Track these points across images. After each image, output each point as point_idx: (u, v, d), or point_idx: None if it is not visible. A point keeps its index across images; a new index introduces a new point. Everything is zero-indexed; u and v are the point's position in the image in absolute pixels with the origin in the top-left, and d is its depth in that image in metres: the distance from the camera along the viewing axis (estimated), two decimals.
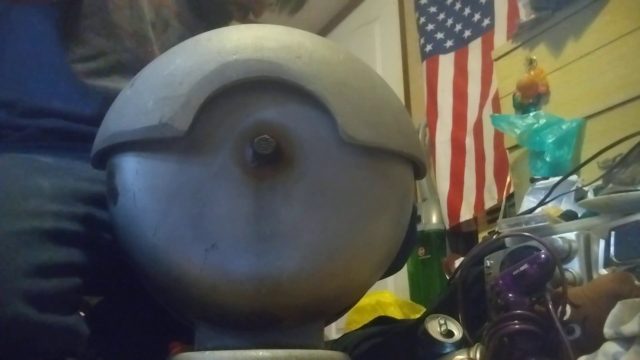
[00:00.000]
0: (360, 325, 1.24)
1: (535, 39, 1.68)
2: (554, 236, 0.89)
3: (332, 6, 3.23)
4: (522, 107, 1.68)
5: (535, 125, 1.55)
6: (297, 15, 1.03)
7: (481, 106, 2.24)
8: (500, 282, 0.74)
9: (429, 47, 2.55)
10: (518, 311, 0.71)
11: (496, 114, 1.82)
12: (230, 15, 0.98)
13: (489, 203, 2.10)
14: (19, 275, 0.56)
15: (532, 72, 1.65)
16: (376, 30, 3.02)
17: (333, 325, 1.84)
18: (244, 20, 1.00)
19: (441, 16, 2.54)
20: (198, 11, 0.97)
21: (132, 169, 0.62)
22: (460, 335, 0.84)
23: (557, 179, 1.26)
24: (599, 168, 1.20)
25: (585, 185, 1.20)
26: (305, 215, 0.61)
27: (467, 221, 2.24)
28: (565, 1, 1.60)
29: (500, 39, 2.18)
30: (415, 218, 0.93)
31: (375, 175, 0.64)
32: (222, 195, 0.60)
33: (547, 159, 1.51)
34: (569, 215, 1.08)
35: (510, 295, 0.72)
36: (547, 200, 1.19)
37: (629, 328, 0.60)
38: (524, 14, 1.78)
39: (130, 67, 0.82)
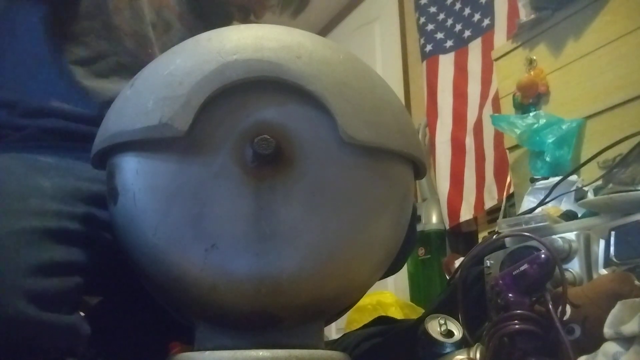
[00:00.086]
0: (360, 325, 1.24)
1: (535, 39, 1.68)
2: (554, 236, 0.89)
3: (332, 6, 3.23)
4: (522, 107, 1.68)
5: (535, 125, 1.55)
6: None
7: (481, 106, 2.24)
8: (500, 282, 0.74)
9: (429, 47, 2.55)
10: (518, 311, 0.71)
11: (496, 114, 1.82)
12: (231, 17, 0.98)
13: (489, 203, 2.10)
14: (19, 274, 0.57)
15: (532, 72, 1.65)
16: (376, 30, 3.02)
17: (333, 325, 1.84)
18: (245, 21, 1.00)
19: (441, 16, 2.54)
20: (199, 12, 0.97)
21: (132, 169, 0.62)
22: (460, 335, 0.84)
23: (557, 179, 1.26)
24: (599, 168, 1.20)
25: (585, 185, 1.20)
26: (305, 215, 0.61)
27: (467, 221, 2.24)
28: (565, 1, 1.60)
29: (500, 39, 2.18)
30: (415, 218, 0.93)
31: (375, 175, 0.64)
32: (222, 195, 0.60)
33: (547, 159, 1.51)
34: (569, 215, 1.08)
35: (510, 295, 0.72)
36: (547, 200, 1.19)
37: (629, 328, 0.60)
38: (524, 14, 1.78)
39: (131, 69, 0.82)
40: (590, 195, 1.06)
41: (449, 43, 2.48)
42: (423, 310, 1.52)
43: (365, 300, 1.84)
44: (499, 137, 1.98)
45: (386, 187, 0.65)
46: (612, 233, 0.84)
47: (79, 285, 0.63)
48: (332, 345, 1.16)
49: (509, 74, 1.74)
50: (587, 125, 1.52)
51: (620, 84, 1.45)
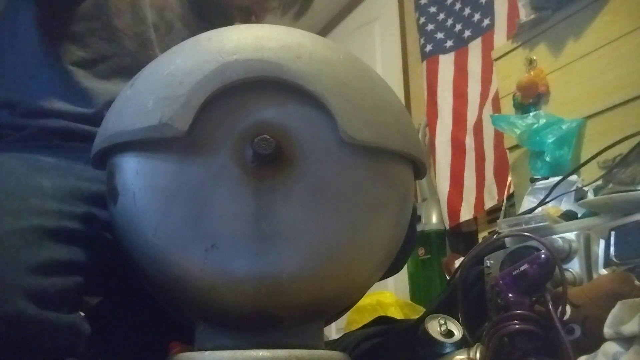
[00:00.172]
0: (360, 325, 1.24)
1: (535, 39, 1.68)
2: (554, 236, 0.89)
3: (332, 6, 3.23)
4: (522, 107, 1.68)
5: (535, 125, 1.55)
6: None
7: (481, 106, 2.24)
8: (500, 282, 0.74)
9: (429, 47, 2.55)
10: (518, 311, 0.71)
11: (496, 114, 1.82)
12: (232, 19, 0.98)
13: (489, 203, 2.10)
14: (20, 272, 0.57)
15: (532, 72, 1.65)
16: (376, 30, 3.02)
17: (333, 325, 1.84)
18: (246, 23, 1.00)
19: (441, 16, 2.54)
20: (201, 13, 0.97)
21: (132, 169, 0.62)
22: (460, 335, 0.84)
23: (557, 179, 1.26)
24: (599, 168, 1.20)
25: (585, 185, 1.20)
26: (305, 215, 0.61)
27: (467, 221, 2.24)
28: (565, 1, 1.60)
29: (500, 39, 2.18)
30: (415, 218, 0.93)
31: (375, 175, 0.64)
32: (222, 195, 0.60)
33: (547, 159, 1.51)
34: (569, 215, 1.08)
35: (510, 295, 0.72)
36: (547, 200, 1.19)
37: (629, 328, 0.60)
38: (524, 14, 1.78)
39: (132, 70, 0.81)
40: (590, 195, 1.06)
41: (449, 43, 2.48)
42: (423, 310, 1.52)
43: (365, 300, 1.84)
44: (499, 137, 1.98)
45: (386, 187, 0.65)
46: (612, 233, 0.84)
47: (79, 285, 0.63)
48: (332, 345, 1.16)
49: (509, 74, 1.74)
50: (587, 125, 1.52)
51: (620, 84, 1.45)
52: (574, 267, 0.86)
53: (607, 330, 0.63)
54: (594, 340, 0.65)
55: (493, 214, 2.08)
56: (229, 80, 0.59)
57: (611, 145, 1.16)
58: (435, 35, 2.54)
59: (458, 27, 2.46)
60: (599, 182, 1.08)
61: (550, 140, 1.51)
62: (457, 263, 1.57)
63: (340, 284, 0.65)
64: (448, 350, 0.83)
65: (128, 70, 0.84)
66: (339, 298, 0.69)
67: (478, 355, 0.78)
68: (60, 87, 0.81)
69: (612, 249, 0.83)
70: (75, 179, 0.70)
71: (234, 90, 0.60)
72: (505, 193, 1.88)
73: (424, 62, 2.56)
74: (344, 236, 0.62)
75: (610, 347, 0.62)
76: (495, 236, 0.98)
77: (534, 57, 1.66)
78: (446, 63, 2.47)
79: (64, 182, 0.69)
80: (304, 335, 0.66)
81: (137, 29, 0.87)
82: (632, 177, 0.97)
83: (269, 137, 0.59)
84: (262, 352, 0.61)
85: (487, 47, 2.24)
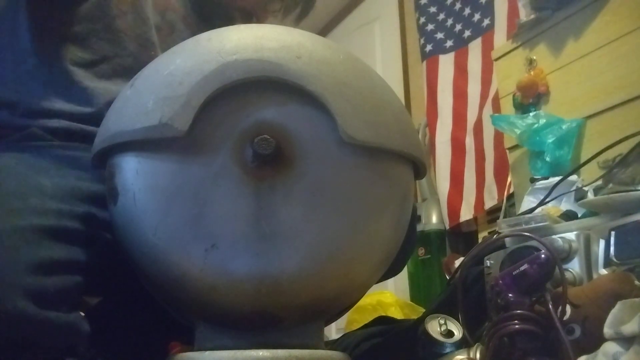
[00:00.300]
0: (360, 325, 1.24)
1: (535, 39, 1.68)
2: (554, 236, 0.89)
3: (332, 6, 3.23)
4: (522, 107, 1.68)
5: (535, 125, 1.55)
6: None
7: (481, 106, 2.24)
8: (500, 282, 0.74)
9: (429, 47, 2.55)
10: (518, 311, 0.71)
11: (496, 114, 1.82)
12: (233, 20, 0.98)
13: (489, 203, 2.10)
14: (19, 271, 0.57)
15: (532, 72, 1.65)
16: (376, 30, 3.02)
17: (333, 325, 1.84)
18: None
19: (441, 16, 2.54)
20: (202, 14, 0.97)
21: (132, 169, 0.62)
22: (460, 335, 0.84)
23: (557, 179, 1.26)
24: (599, 168, 1.20)
25: (585, 185, 1.20)
26: (305, 215, 0.61)
27: (467, 221, 2.24)
28: (565, 1, 1.60)
29: (500, 39, 2.18)
30: (415, 219, 0.93)
31: (375, 175, 0.64)
32: (222, 195, 0.60)
33: (547, 159, 1.51)
34: (569, 215, 1.08)
35: (510, 295, 0.72)
36: (547, 200, 1.19)
37: (629, 328, 0.60)
38: (524, 14, 1.78)
39: (133, 71, 0.82)
40: (590, 195, 1.06)
41: (449, 43, 2.48)
42: (423, 310, 1.52)
43: (365, 300, 1.84)
44: (499, 137, 1.98)
45: (386, 187, 0.65)
46: (612, 233, 0.84)
47: (79, 284, 0.63)
48: (332, 345, 1.16)
49: (509, 74, 1.74)
50: (587, 125, 1.52)
51: (620, 84, 1.45)
52: (574, 267, 0.86)
53: (607, 330, 0.63)
54: (594, 340, 0.65)
55: (493, 214, 2.08)
56: (229, 80, 0.59)
57: (611, 145, 1.16)
58: (435, 35, 2.54)
59: (458, 27, 2.46)
60: (599, 182, 1.08)
61: (550, 140, 1.51)
62: (457, 263, 1.57)
63: (340, 284, 0.65)
64: (448, 350, 0.83)
65: (129, 70, 0.84)
66: (339, 298, 0.69)
67: (478, 355, 0.78)
68: (60, 87, 0.81)
69: (612, 249, 0.83)
70: (75, 179, 0.70)
71: (234, 90, 0.60)
72: (505, 193, 1.88)
73: (424, 62, 2.56)
74: (344, 236, 0.62)
75: (610, 347, 0.62)
76: (495, 236, 0.98)
77: (534, 57, 1.66)
78: (446, 63, 2.47)
79: (64, 182, 0.69)
80: (304, 335, 0.66)
81: (139, 29, 0.87)
82: (632, 177, 0.97)
83: (269, 137, 0.59)
84: (262, 352, 0.61)
85: (487, 47, 2.24)
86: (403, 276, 2.34)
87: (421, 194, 2.44)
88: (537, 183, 1.43)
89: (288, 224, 0.60)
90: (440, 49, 2.51)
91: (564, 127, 1.52)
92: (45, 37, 0.82)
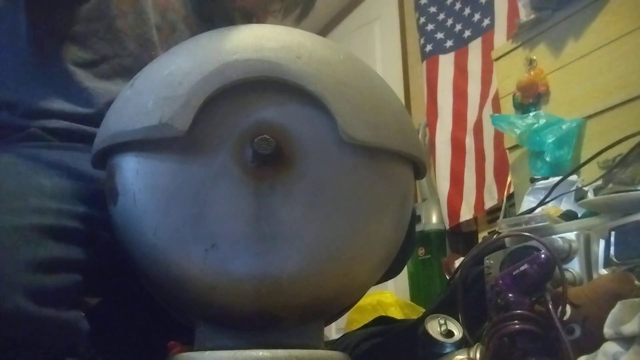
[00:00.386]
0: (360, 325, 1.24)
1: (535, 39, 1.68)
2: (554, 236, 0.89)
3: (332, 6, 3.23)
4: (522, 107, 1.68)
5: (535, 125, 1.55)
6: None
7: (481, 106, 2.24)
8: (500, 282, 0.74)
9: (429, 47, 2.55)
10: (518, 311, 0.71)
11: (496, 114, 1.82)
12: (234, 21, 0.98)
13: (489, 203, 2.10)
14: (19, 270, 0.57)
15: (532, 72, 1.66)
16: (376, 30, 3.02)
17: (333, 325, 1.84)
18: None
19: (441, 16, 2.54)
20: (203, 15, 0.97)
21: (132, 169, 0.62)
22: (460, 335, 0.84)
23: (557, 179, 1.26)
24: (599, 168, 1.20)
25: (585, 185, 1.20)
26: (305, 216, 0.61)
27: (467, 221, 2.24)
28: (565, 1, 1.60)
29: (500, 39, 2.18)
30: (415, 220, 0.93)
31: (375, 175, 0.64)
32: (222, 195, 0.60)
33: (547, 159, 1.51)
34: (569, 215, 1.08)
35: (510, 295, 0.72)
36: (547, 200, 1.19)
37: (629, 328, 0.60)
38: (524, 14, 1.78)
39: (133, 71, 0.82)
40: (590, 195, 1.06)
41: (449, 43, 2.48)
42: (423, 310, 1.52)
43: (365, 300, 1.84)
44: (499, 137, 1.98)
45: (386, 187, 0.65)
46: (612, 233, 0.84)
47: (78, 283, 0.63)
48: (332, 345, 1.16)
49: (509, 74, 1.74)
50: (587, 125, 1.52)
51: (620, 84, 1.45)
52: (574, 267, 0.86)
53: (607, 330, 0.63)
54: (594, 340, 0.65)
55: (493, 214, 2.08)
56: (229, 80, 0.59)
57: (611, 145, 1.16)
58: (435, 35, 2.54)
59: (458, 27, 2.46)
60: (599, 182, 1.08)
61: (550, 140, 1.51)
62: (457, 263, 1.57)
63: (340, 284, 0.65)
64: (448, 350, 0.83)
65: (129, 70, 0.84)
66: (339, 298, 0.69)
67: (478, 355, 0.78)
68: (60, 87, 0.81)
69: (612, 249, 0.83)
70: (75, 179, 0.70)
71: (234, 90, 0.60)
72: (505, 193, 1.88)
73: (424, 62, 2.56)
74: (344, 236, 0.62)
75: (610, 347, 0.62)
76: (495, 236, 0.98)
77: (534, 57, 1.66)
78: (446, 63, 2.47)
79: (64, 181, 0.69)
80: (304, 335, 0.66)
81: (139, 30, 0.87)
82: (632, 177, 0.97)
83: (269, 137, 0.59)
84: (262, 352, 0.61)
85: (487, 47, 2.24)
86: (403, 276, 2.34)
87: (421, 194, 2.44)
88: (537, 183, 1.43)
89: (288, 224, 0.60)
90: (440, 49, 2.51)
91: (564, 127, 1.52)
92: (45, 37, 0.82)
